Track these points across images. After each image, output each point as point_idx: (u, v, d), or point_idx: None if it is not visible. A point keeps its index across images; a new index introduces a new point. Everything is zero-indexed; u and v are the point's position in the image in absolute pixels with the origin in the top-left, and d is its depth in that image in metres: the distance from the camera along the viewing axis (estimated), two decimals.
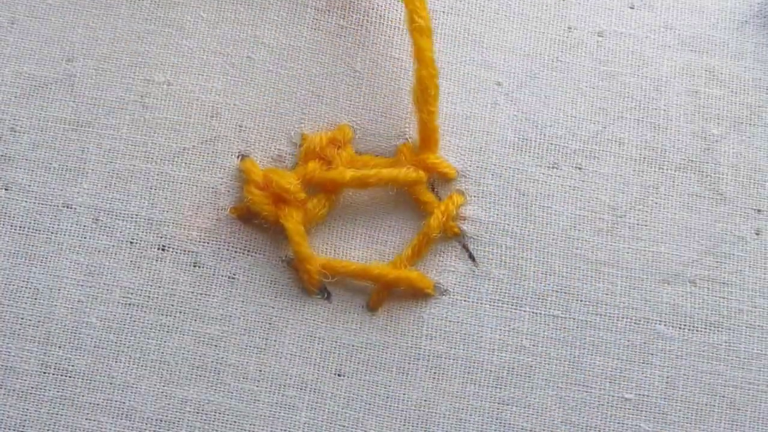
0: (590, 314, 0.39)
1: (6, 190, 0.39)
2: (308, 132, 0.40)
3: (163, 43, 0.40)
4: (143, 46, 0.40)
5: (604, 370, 0.39)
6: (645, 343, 0.39)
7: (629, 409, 0.39)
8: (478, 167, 0.40)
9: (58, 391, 0.38)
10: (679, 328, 0.39)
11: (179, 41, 0.40)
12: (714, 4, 0.42)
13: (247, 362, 0.38)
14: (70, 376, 0.38)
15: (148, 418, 0.38)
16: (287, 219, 0.38)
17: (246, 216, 0.39)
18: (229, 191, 0.39)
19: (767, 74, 0.41)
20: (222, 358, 0.38)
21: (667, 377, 0.39)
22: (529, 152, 0.40)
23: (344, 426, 0.38)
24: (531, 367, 0.39)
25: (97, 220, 0.39)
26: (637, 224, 0.40)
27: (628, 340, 0.39)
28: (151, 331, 0.38)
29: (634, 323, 0.39)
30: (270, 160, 0.39)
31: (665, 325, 0.39)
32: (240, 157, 0.39)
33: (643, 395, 0.39)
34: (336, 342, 0.39)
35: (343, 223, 0.39)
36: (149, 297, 0.38)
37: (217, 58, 0.40)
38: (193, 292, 0.39)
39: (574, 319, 0.39)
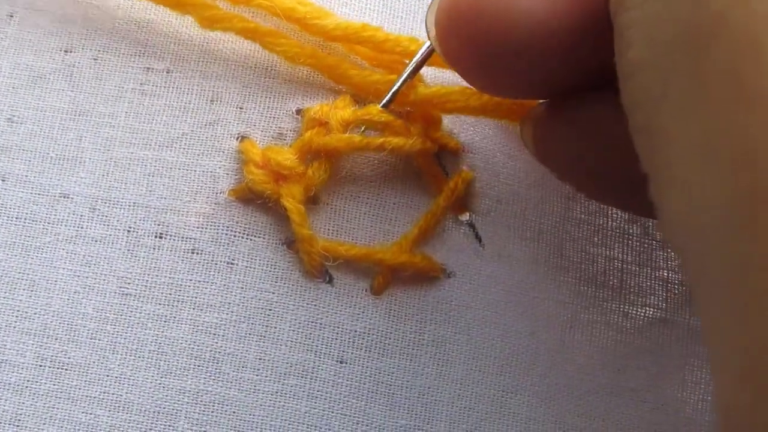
0: (599, 299, 0.39)
1: (3, 180, 0.38)
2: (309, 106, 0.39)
3: (163, 32, 0.40)
4: (143, 35, 0.40)
5: (614, 358, 0.38)
6: (656, 332, 0.39)
7: (636, 398, 0.38)
8: (485, 142, 0.39)
9: (54, 384, 0.37)
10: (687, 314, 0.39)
11: (179, 29, 0.40)
12: None
13: (247, 350, 0.37)
14: (66, 369, 0.37)
15: (145, 409, 0.37)
16: (287, 198, 0.37)
17: (247, 197, 0.38)
18: (227, 174, 0.39)
19: None
20: (220, 346, 0.37)
21: (676, 366, 0.38)
22: None
23: (346, 414, 0.37)
24: (537, 353, 0.38)
25: (94, 209, 0.38)
26: None
27: (639, 329, 0.39)
28: (149, 321, 0.37)
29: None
30: (271, 139, 0.39)
31: (670, 312, 0.39)
32: (239, 138, 0.39)
33: (653, 385, 0.38)
34: (338, 328, 0.38)
35: (347, 201, 0.39)
36: (146, 286, 0.38)
37: (217, 44, 0.39)
38: (191, 280, 0.38)
39: (581, 304, 0.39)
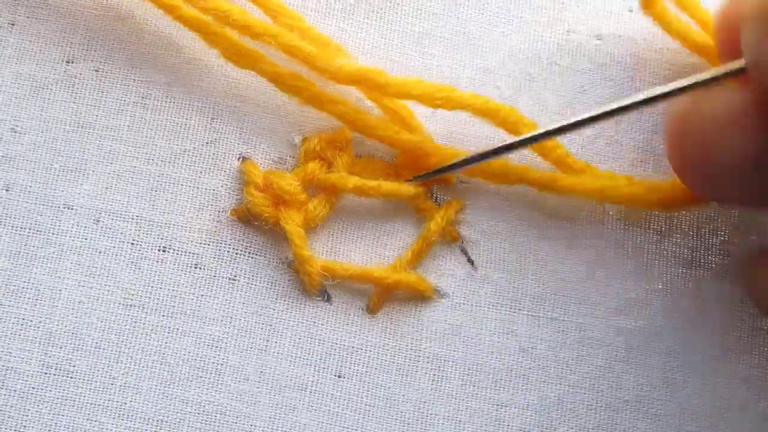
0: (588, 316, 0.39)
1: (7, 190, 0.39)
2: (308, 134, 0.40)
3: (163, 44, 0.40)
4: (144, 47, 0.40)
5: (602, 372, 0.39)
6: (643, 344, 0.39)
7: (627, 410, 0.39)
8: None
9: (59, 392, 0.38)
10: (679, 328, 0.40)
11: (180, 43, 0.40)
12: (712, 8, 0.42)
13: (248, 363, 0.38)
14: (71, 377, 0.38)
15: (149, 418, 0.38)
16: (287, 221, 0.38)
17: (246, 218, 0.39)
18: (229, 193, 0.39)
19: None
20: (222, 359, 0.38)
21: (666, 378, 0.39)
22: (528, 156, 0.40)
23: (344, 427, 0.38)
24: (529, 369, 0.39)
25: (98, 221, 0.39)
26: None
27: (626, 342, 0.39)
28: (152, 332, 0.38)
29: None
30: (271, 162, 0.40)
31: (662, 325, 0.40)
32: (241, 158, 0.40)
33: (642, 396, 0.39)
34: (336, 344, 0.39)
35: (344, 225, 0.40)
36: (150, 298, 0.39)
37: (217, 59, 0.40)
38: (194, 294, 0.39)
39: (572, 321, 0.39)
